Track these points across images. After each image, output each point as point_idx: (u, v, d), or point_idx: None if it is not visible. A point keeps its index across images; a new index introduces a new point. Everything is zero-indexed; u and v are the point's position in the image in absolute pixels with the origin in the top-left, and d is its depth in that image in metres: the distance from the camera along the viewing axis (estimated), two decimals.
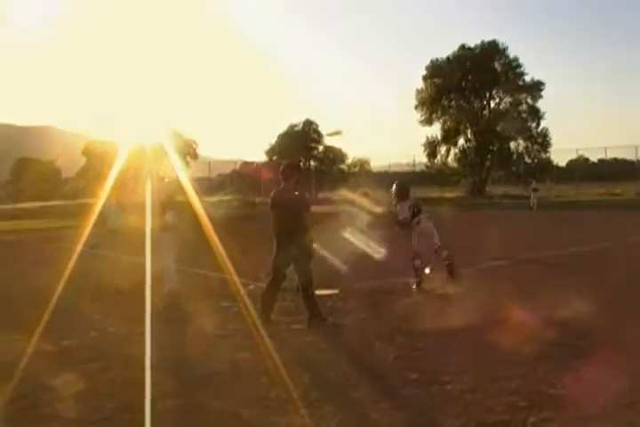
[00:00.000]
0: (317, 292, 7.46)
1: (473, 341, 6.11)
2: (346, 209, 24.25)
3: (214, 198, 36.63)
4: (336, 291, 8.64)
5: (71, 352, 6.04)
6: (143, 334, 5.83)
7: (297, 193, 7.05)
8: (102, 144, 47.02)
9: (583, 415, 4.10)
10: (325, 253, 9.39)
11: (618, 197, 39.49)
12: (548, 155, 50.25)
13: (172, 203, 8.90)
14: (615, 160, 52.86)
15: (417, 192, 47.60)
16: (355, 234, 13.53)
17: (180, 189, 9.02)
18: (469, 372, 5.06)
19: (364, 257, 11.27)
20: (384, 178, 49.60)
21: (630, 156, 47.40)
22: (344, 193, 37.24)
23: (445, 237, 9.41)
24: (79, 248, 9.28)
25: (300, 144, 56.51)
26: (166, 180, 9.56)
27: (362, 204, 25.42)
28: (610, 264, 11.27)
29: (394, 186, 9.38)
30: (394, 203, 9.28)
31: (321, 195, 48.27)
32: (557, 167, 50.46)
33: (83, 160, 57.93)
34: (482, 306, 7.75)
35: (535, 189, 32.87)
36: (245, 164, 60.99)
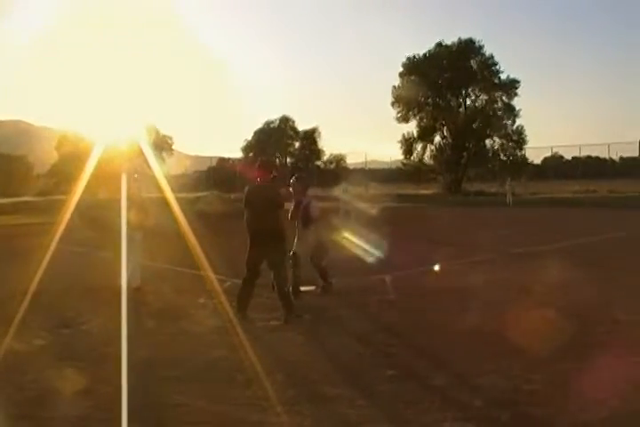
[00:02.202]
0: None
1: (450, 337, 6.15)
2: (333, 206, 24.24)
3: (190, 195, 36.40)
4: (313, 287, 8.63)
5: (44, 351, 5.96)
6: (118, 331, 5.76)
7: (272, 190, 7.05)
8: (76, 140, 46.34)
9: (559, 411, 4.14)
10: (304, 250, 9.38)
11: (591, 194, 40.08)
12: (523, 152, 50.71)
13: (139, 200, 8.83)
14: (589, 158, 53.55)
15: (394, 189, 47.90)
16: (336, 231, 13.55)
17: (148, 185, 8.96)
18: (447, 368, 5.10)
19: (344, 253, 11.29)
20: (361, 175, 49.83)
21: (603, 154, 48.18)
22: (328, 190, 37.25)
23: (435, 233, 9.45)
24: (53, 245, 9.15)
25: (277, 141, 56.45)
26: (135, 175, 9.47)
27: (347, 201, 25.42)
28: (596, 257, 11.48)
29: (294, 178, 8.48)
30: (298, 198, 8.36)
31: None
32: (532, 165, 50.98)
33: (55, 156, 57.06)
34: (461, 301, 7.82)
35: (510, 186, 33.39)
36: (222, 160, 60.70)
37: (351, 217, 18.89)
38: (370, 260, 10.88)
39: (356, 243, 11.86)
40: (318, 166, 59.04)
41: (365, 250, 11.34)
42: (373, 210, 21.27)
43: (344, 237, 12.47)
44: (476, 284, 8.93)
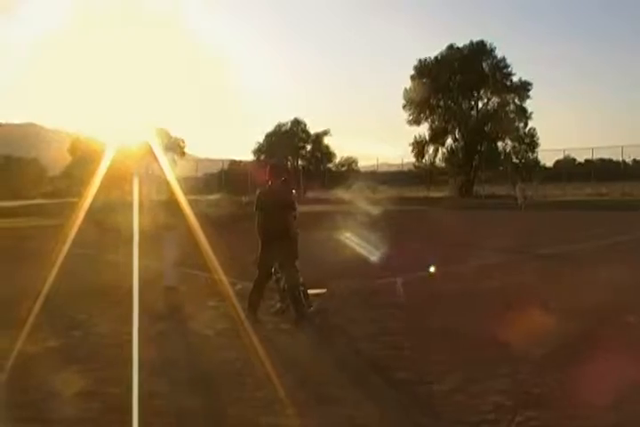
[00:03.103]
0: None
1: (459, 340, 6.13)
2: (344, 209, 24.31)
3: (201, 197, 36.47)
4: (323, 290, 8.63)
5: (54, 353, 5.98)
6: (129, 333, 5.78)
7: (283, 193, 7.07)
8: (88, 142, 46.55)
9: (568, 415, 4.11)
10: (314, 253, 9.39)
11: (604, 197, 39.86)
12: (535, 155, 50.57)
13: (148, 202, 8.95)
14: (601, 161, 53.25)
15: (405, 191, 47.91)
16: (346, 234, 13.56)
17: (160, 187, 9.07)
18: (456, 371, 5.07)
19: (353, 256, 11.29)
20: (372, 178, 49.88)
21: (616, 156, 47.86)
22: (340, 193, 37.38)
23: (446, 236, 9.41)
24: (64, 247, 9.20)
25: (288, 144, 56.58)
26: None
27: (358, 203, 25.51)
28: (607, 260, 11.45)
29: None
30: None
31: (310, 194, 48.36)
32: (544, 167, 50.76)
33: (68, 158, 57.39)
34: (471, 305, 7.79)
35: (522, 189, 33.21)
36: (234, 163, 60.91)
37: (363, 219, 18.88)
38: (379, 262, 10.87)
39: (367, 246, 11.86)
40: (330, 169, 59.16)
41: (375, 253, 11.34)
42: (383, 212, 21.27)
43: (354, 240, 12.47)
44: (486, 287, 8.90)
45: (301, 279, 7.25)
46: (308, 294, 7.79)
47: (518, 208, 30.63)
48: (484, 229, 19.71)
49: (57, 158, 62.01)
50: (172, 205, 8.47)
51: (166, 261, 8.85)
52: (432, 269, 10.24)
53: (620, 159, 46.95)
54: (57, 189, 48.53)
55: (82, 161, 43.50)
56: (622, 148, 44.53)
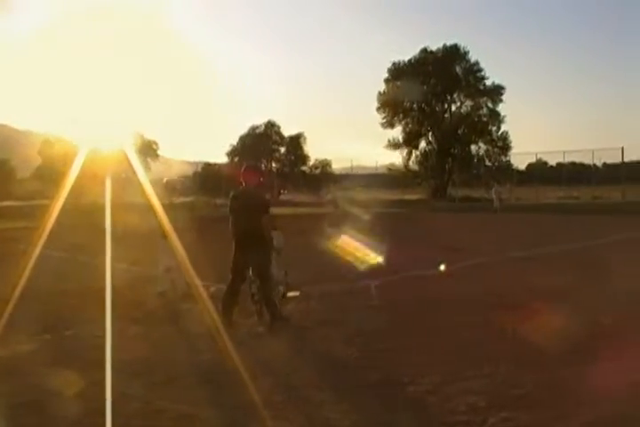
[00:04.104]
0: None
1: (435, 341, 6.16)
2: (317, 211, 24.30)
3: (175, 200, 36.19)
4: (297, 293, 8.59)
5: (28, 357, 5.88)
6: (102, 337, 5.69)
7: (257, 194, 7.05)
8: (59, 143, 45.89)
9: (543, 416, 4.14)
10: (288, 256, 9.35)
11: (575, 200, 40.44)
12: (508, 158, 51.07)
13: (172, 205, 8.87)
14: (573, 164, 53.94)
15: (379, 194, 48.10)
16: (320, 236, 13.54)
17: (179, 189, 9.01)
18: (431, 373, 5.09)
19: (328, 259, 11.28)
20: (347, 180, 49.97)
21: (587, 160, 48.53)
22: (314, 195, 37.40)
23: (424, 239, 9.43)
24: (35, 250, 9.04)
25: (262, 146, 56.49)
26: (164, 180, 9.51)
27: (332, 206, 25.55)
28: (583, 262, 11.58)
29: None
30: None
31: (284, 197, 48.33)
32: (517, 171, 51.31)
33: (39, 160, 56.62)
34: (448, 306, 7.83)
35: (497, 192, 33.37)
36: (208, 165, 60.63)
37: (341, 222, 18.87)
38: (359, 265, 10.86)
39: (346, 248, 11.85)
40: (304, 172, 59.18)
41: (355, 255, 11.34)
42: (358, 215, 21.31)
43: (328, 243, 12.45)
44: (463, 289, 8.96)
45: (281, 288, 7.25)
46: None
47: (493, 211, 30.88)
48: (461, 233, 19.80)
49: (27, 160, 61.15)
50: (163, 210, 8.39)
51: (161, 268, 8.83)
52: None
53: (591, 163, 47.65)
54: (27, 190, 47.80)
55: (52, 163, 42.92)
56: (593, 151, 45.20)
